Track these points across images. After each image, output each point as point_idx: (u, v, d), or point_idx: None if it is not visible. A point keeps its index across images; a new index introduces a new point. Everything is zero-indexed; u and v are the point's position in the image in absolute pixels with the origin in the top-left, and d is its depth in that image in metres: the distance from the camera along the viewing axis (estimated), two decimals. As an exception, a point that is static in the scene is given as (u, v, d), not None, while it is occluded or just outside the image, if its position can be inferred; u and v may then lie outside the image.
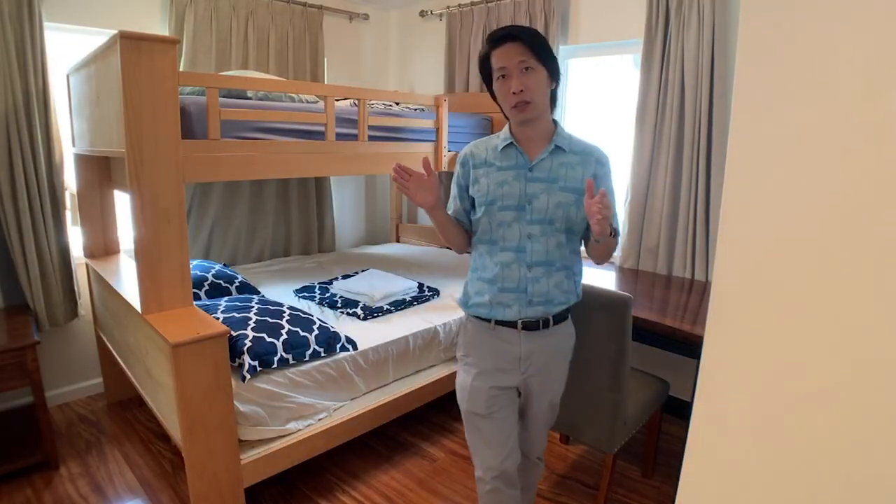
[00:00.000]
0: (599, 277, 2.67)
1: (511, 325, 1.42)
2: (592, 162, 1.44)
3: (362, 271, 3.04)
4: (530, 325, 1.42)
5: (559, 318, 1.47)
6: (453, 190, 1.54)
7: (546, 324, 1.44)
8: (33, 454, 2.21)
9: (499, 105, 1.43)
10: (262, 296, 2.51)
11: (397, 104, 2.84)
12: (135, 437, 2.52)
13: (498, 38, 1.34)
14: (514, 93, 1.33)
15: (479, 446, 1.50)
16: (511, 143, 1.42)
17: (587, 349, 1.79)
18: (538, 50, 1.33)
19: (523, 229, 1.39)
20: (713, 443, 0.78)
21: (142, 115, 1.65)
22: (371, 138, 2.41)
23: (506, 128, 1.46)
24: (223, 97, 2.04)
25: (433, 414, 2.72)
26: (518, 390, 1.53)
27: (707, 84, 2.41)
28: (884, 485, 0.64)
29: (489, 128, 3.10)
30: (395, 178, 1.39)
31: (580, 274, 1.52)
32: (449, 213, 1.52)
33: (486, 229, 1.45)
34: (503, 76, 1.35)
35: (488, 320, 1.44)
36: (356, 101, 2.38)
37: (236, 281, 2.60)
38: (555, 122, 1.47)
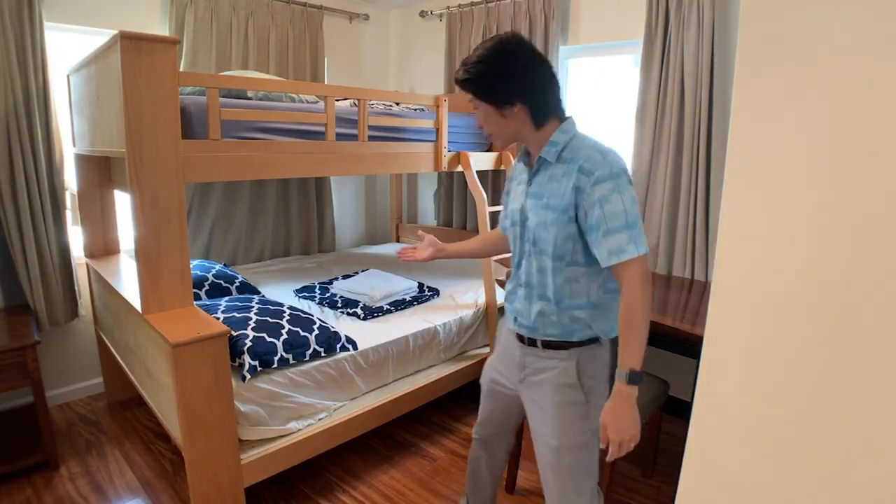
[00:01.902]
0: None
1: (511, 330, 1.46)
2: (574, 171, 1.21)
3: (362, 271, 3.04)
4: (521, 338, 1.42)
5: (554, 346, 1.35)
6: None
7: (534, 342, 1.37)
8: (33, 454, 2.21)
9: None
10: (263, 296, 2.51)
11: (397, 104, 2.84)
12: (135, 436, 2.52)
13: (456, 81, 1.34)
14: (478, 128, 1.38)
15: (480, 414, 1.66)
16: (521, 156, 1.41)
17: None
18: (474, 90, 1.29)
19: (521, 248, 1.38)
20: (713, 443, 0.78)
21: (142, 115, 1.65)
22: (371, 138, 2.41)
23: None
24: (223, 97, 2.04)
25: (433, 414, 2.72)
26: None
27: (707, 84, 2.41)
28: (884, 484, 0.64)
29: (489, 128, 3.10)
30: (402, 258, 1.65)
31: (593, 318, 1.30)
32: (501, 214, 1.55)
33: (510, 244, 1.47)
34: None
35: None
36: (356, 102, 2.38)
37: (236, 281, 2.60)
38: (564, 122, 1.30)
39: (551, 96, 1.29)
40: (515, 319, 1.41)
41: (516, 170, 1.45)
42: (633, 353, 1.20)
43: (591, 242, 1.22)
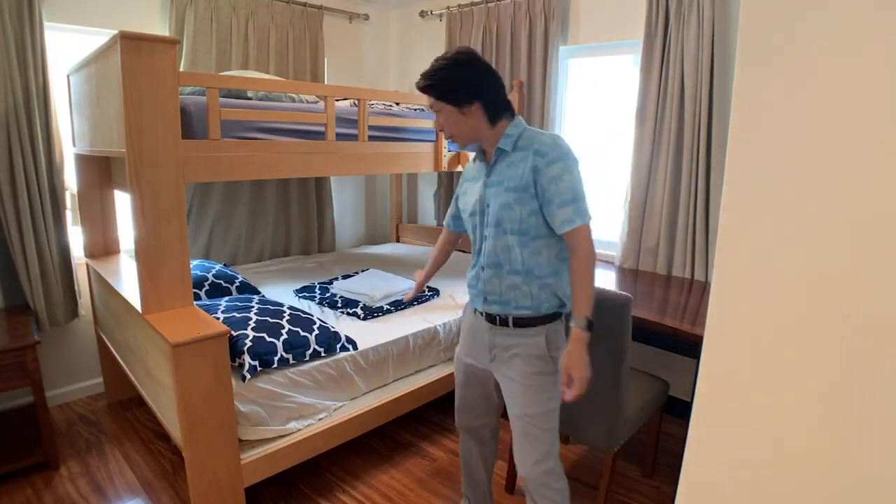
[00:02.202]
0: (599, 277, 2.67)
1: (480, 313, 1.58)
2: (531, 155, 1.41)
3: (362, 271, 3.05)
4: (491, 319, 1.55)
5: (523, 323, 1.49)
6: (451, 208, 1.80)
7: (505, 321, 1.51)
8: (33, 454, 2.21)
9: None
10: (263, 296, 2.51)
11: (397, 104, 2.84)
12: (135, 436, 2.52)
13: (417, 87, 1.51)
14: (440, 131, 1.52)
15: (456, 405, 1.78)
16: (478, 156, 1.59)
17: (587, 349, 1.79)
18: (436, 93, 1.46)
19: (481, 233, 1.54)
20: (713, 443, 0.78)
21: (142, 115, 1.65)
22: (371, 138, 2.41)
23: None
24: (223, 97, 2.04)
25: (433, 414, 2.72)
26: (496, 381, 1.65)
27: (707, 84, 2.41)
28: (884, 484, 0.64)
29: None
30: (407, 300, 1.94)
31: (557, 283, 1.48)
32: (448, 215, 1.81)
33: (468, 232, 1.64)
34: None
35: (472, 307, 1.64)
36: (356, 102, 2.38)
37: (236, 281, 2.60)
38: (514, 118, 1.51)
39: (501, 98, 1.49)
40: (485, 299, 1.53)
41: (471, 170, 1.62)
42: (586, 303, 1.39)
43: (547, 214, 1.42)
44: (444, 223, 1.84)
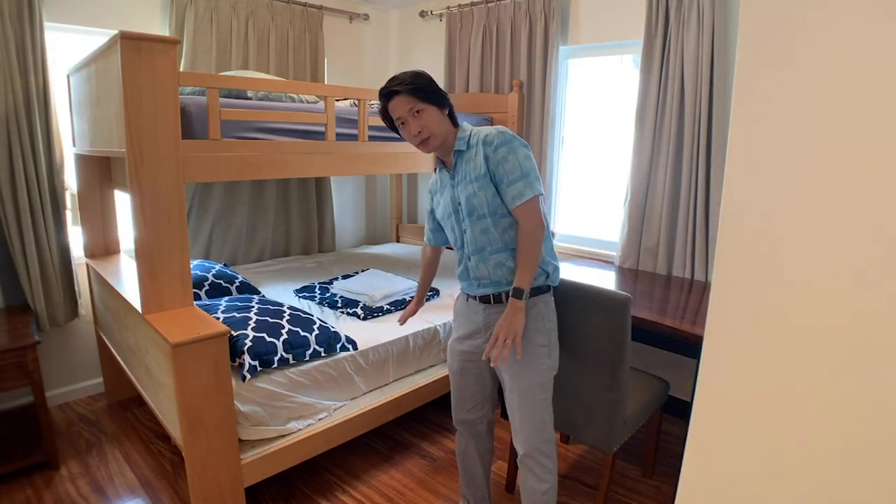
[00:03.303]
0: (599, 277, 2.67)
1: (474, 297, 1.69)
2: (481, 146, 1.55)
3: (362, 271, 3.05)
4: (486, 299, 1.65)
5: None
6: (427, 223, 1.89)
7: (499, 299, 1.63)
8: (33, 454, 2.21)
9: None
10: (263, 296, 2.51)
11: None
12: (135, 436, 2.52)
13: (386, 94, 1.57)
14: (415, 135, 1.57)
15: (452, 398, 1.84)
16: (438, 167, 1.71)
17: (587, 349, 1.79)
18: (420, 94, 1.54)
19: (460, 227, 1.65)
20: (713, 443, 0.78)
21: (142, 115, 1.65)
22: (371, 138, 2.41)
23: (432, 155, 1.71)
24: (223, 97, 2.04)
25: (433, 414, 2.72)
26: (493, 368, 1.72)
27: (707, 84, 2.41)
28: (884, 484, 0.64)
29: (489, 128, 3.10)
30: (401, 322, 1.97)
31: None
32: (427, 230, 1.90)
33: (449, 236, 1.75)
34: (402, 123, 1.58)
35: (465, 294, 1.74)
36: (356, 102, 2.38)
37: (236, 281, 2.60)
38: (462, 124, 1.65)
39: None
40: (478, 285, 1.64)
41: (436, 183, 1.74)
42: (525, 275, 1.51)
43: (503, 195, 1.54)
44: (424, 240, 1.92)
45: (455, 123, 1.64)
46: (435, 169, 1.74)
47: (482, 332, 1.68)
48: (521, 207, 1.52)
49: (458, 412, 1.83)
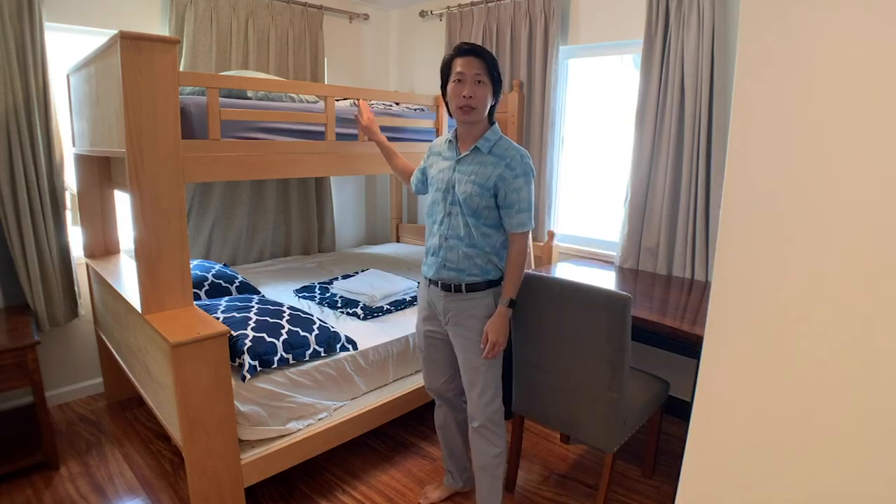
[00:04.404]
0: (599, 277, 2.67)
1: (435, 283, 1.80)
2: (502, 165, 1.67)
3: (362, 271, 3.04)
4: (446, 287, 1.77)
5: (474, 288, 1.76)
6: (420, 164, 2.00)
7: (459, 288, 1.76)
8: (33, 454, 2.21)
9: (446, 103, 1.76)
10: (263, 296, 2.51)
11: (397, 104, 2.83)
12: (135, 436, 2.52)
13: (464, 50, 1.66)
14: (464, 96, 1.65)
15: (423, 372, 2.02)
16: (451, 140, 1.79)
17: (587, 349, 1.79)
18: (492, 70, 1.67)
19: (445, 208, 1.75)
20: (713, 443, 0.78)
21: (142, 115, 1.65)
22: (371, 138, 2.40)
23: (455, 129, 1.80)
24: (223, 97, 2.04)
25: (433, 414, 2.72)
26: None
27: (707, 84, 2.41)
28: (884, 484, 0.64)
29: (489, 128, 3.10)
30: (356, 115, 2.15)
31: (499, 259, 1.77)
32: (417, 171, 2.01)
33: (428, 205, 1.84)
34: (459, 80, 1.66)
35: (426, 278, 1.85)
36: (356, 101, 2.38)
37: (236, 281, 2.60)
38: (493, 125, 1.75)
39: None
40: (444, 265, 1.76)
41: (440, 146, 1.85)
42: (513, 288, 1.73)
43: (504, 215, 1.71)
44: (412, 176, 2.06)
45: (490, 120, 1.74)
46: (448, 139, 1.82)
47: (443, 316, 1.82)
48: (519, 234, 1.72)
49: (429, 382, 2.00)
